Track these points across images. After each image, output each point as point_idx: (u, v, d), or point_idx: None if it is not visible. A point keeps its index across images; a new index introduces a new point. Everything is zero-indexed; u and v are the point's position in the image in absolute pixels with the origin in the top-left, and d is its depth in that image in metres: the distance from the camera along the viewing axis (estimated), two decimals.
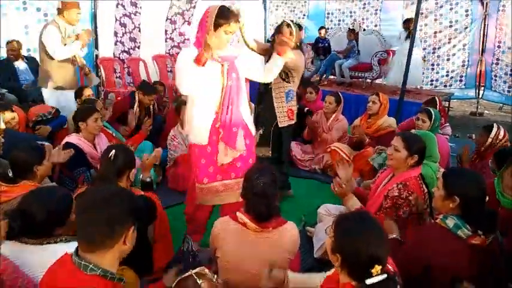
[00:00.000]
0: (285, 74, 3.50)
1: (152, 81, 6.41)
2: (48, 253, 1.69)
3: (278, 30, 3.29)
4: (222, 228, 2.14)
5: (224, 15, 2.54)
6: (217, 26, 2.53)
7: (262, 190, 2.01)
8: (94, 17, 6.53)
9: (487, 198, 1.96)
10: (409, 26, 7.15)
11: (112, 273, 1.41)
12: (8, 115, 3.42)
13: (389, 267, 1.52)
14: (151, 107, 4.79)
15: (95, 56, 6.75)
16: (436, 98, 4.66)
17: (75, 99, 4.39)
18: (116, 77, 7.11)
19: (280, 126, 3.63)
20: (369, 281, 1.37)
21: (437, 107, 4.36)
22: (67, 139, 3.28)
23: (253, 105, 3.66)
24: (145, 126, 4.34)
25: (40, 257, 1.70)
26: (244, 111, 2.81)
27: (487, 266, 1.81)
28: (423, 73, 8.17)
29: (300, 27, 3.80)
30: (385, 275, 1.39)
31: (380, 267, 1.38)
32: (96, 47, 6.72)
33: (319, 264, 2.81)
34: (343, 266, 1.46)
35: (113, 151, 2.45)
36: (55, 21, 4.29)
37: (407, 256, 1.96)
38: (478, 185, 1.98)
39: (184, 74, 2.59)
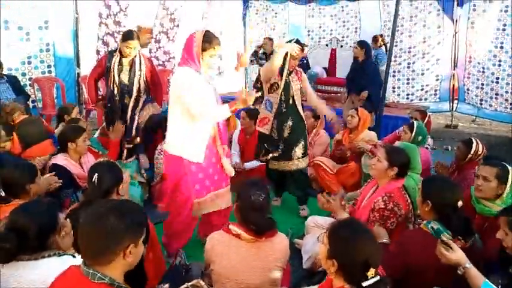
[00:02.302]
0: None
1: None
2: (43, 268, 1.71)
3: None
4: (216, 242, 2.19)
5: (208, 40, 2.82)
6: (203, 50, 2.81)
7: (260, 205, 2.10)
8: (76, 36, 6.57)
9: (461, 203, 2.09)
10: (377, 40, 7.45)
11: (119, 283, 1.45)
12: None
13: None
14: (136, 61, 4.10)
15: (76, 74, 6.76)
16: (427, 112, 4.86)
17: (63, 117, 4.33)
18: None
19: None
20: (365, 284, 1.46)
21: (426, 118, 4.52)
22: (53, 160, 3.22)
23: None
24: (115, 133, 4.07)
25: (36, 273, 1.70)
26: None
27: None
28: (399, 87, 8.49)
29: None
30: (378, 277, 1.48)
31: (374, 270, 1.48)
32: (78, 65, 6.74)
33: (308, 275, 2.88)
34: (340, 271, 1.53)
35: (96, 175, 2.38)
36: None
37: (390, 257, 2.07)
38: (449, 191, 2.14)
39: (198, 95, 2.77)
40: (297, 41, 3.76)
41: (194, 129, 2.85)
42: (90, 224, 1.47)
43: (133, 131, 4.24)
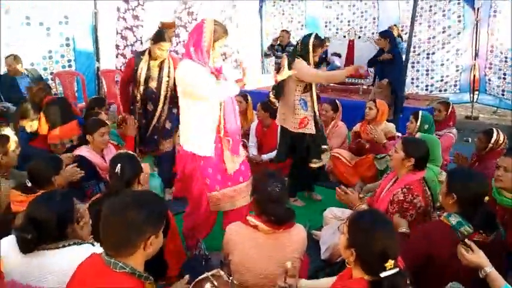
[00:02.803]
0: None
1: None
2: (64, 257, 1.76)
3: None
4: (234, 232, 2.23)
5: (219, 29, 2.68)
6: (214, 40, 2.66)
7: (277, 196, 2.11)
8: (95, 31, 6.67)
9: (488, 198, 2.07)
10: (393, 31, 7.36)
11: (140, 272, 1.49)
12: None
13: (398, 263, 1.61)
14: (165, 65, 3.80)
15: (96, 68, 6.87)
16: (450, 102, 4.82)
17: (93, 109, 4.24)
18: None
19: None
20: (383, 274, 1.46)
21: (449, 109, 4.51)
22: (77, 151, 3.32)
23: None
24: (128, 127, 3.83)
25: (58, 261, 1.76)
26: None
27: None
28: (418, 78, 8.38)
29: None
30: (397, 269, 1.48)
31: (393, 261, 1.47)
32: (98, 60, 6.85)
33: (326, 266, 2.90)
34: (358, 260, 1.54)
35: (119, 166, 2.43)
36: None
37: (412, 246, 2.07)
38: (475, 184, 2.09)
39: (208, 84, 2.65)
40: (316, 36, 3.71)
41: (201, 122, 2.76)
42: (112, 216, 1.49)
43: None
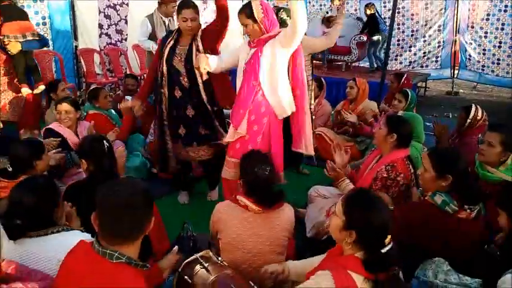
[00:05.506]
0: None
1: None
2: (53, 244, 1.74)
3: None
4: (224, 211, 2.23)
5: None
6: None
7: (266, 179, 2.11)
8: (72, 8, 6.46)
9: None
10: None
11: (136, 261, 1.44)
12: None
13: None
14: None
15: (74, 47, 6.68)
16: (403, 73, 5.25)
17: (49, 94, 4.28)
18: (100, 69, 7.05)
19: None
20: (383, 250, 1.48)
21: (402, 80, 4.85)
22: (48, 126, 3.39)
23: None
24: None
25: (46, 248, 1.74)
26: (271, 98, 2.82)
27: (473, 236, 1.95)
28: (401, 55, 8.43)
29: None
30: (391, 244, 1.50)
31: (390, 236, 1.50)
32: (76, 38, 6.65)
33: (311, 243, 2.94)
34: (358, 241, 1.53)
35: (106, 144, 2.38)
36: (153, 14, 4.80)
37: (397, 224, 2.10)
38: (465, 161, 2.13)
39: None
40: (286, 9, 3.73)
41: None
42: (119, 212, 1.42)
43: None
